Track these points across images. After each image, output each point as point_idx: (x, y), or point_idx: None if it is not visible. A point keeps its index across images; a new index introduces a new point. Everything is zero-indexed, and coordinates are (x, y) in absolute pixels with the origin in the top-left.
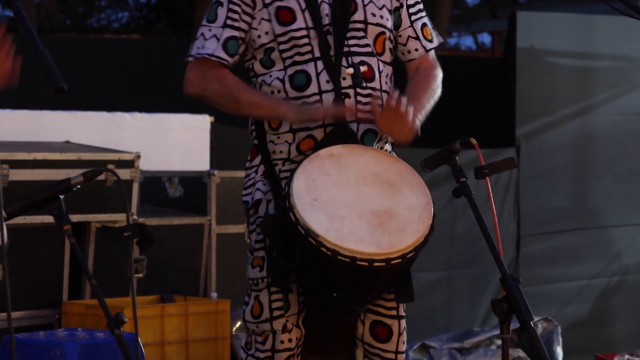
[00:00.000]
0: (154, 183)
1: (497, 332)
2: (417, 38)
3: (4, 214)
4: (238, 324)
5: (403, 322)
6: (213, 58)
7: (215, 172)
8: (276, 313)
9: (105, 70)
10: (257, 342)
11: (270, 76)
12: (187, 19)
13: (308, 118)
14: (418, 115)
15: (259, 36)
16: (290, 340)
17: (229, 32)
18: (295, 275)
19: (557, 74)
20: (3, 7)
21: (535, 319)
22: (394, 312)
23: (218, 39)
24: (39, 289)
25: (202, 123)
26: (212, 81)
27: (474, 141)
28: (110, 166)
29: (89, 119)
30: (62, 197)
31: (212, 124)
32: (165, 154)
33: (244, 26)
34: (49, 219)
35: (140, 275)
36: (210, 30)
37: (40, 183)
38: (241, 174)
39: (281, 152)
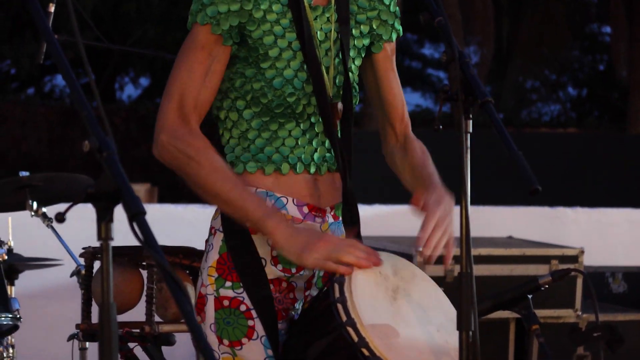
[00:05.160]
0: (597, 278)
1: None
2: None
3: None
4: None
5: None
6: None
7: None
8: None
9: (543, 164)
10: None
11: None
12: (620, 111)
13: None
14: None
15: None
16: None
17: None
18: None
19: None
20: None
21: None
22: None
23: None
24: None
25: None
26: None
27: None
28: (554, 262)
29: (531, 214)
30: (530, 296)
31: None
32: (608, 248)
33: None
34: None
35: None
36: None
37: (484, 278)
38: None
39: None
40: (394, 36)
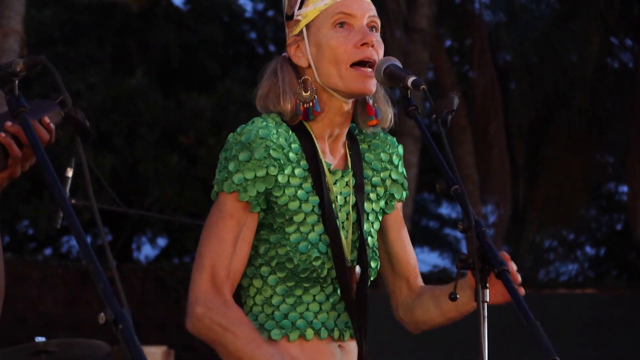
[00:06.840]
0: None
1: None
2: None
3: None
4: None
5: None
6: None
7: None
8: None
9: (561, 326)
10: None
11: None
12: (638, 270)
13: None
14: None
15: None
16: None
17: None
18: None
19: None
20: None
21: None
22: None
23: None
24: None
25: None
26: None
27: None
28: None
29: None
30: None
31: None
32: None
33: None
34: None
35: None
36: None
37: None
38: None
39: None
40: (404, 195)
